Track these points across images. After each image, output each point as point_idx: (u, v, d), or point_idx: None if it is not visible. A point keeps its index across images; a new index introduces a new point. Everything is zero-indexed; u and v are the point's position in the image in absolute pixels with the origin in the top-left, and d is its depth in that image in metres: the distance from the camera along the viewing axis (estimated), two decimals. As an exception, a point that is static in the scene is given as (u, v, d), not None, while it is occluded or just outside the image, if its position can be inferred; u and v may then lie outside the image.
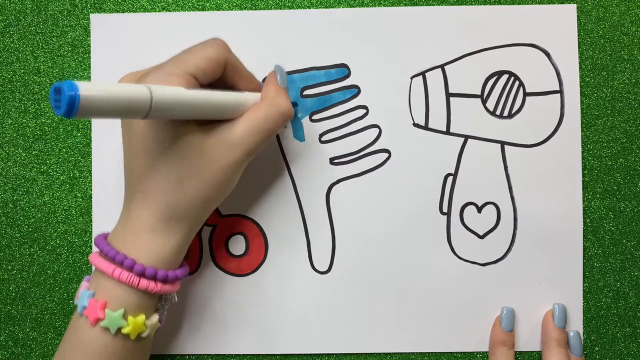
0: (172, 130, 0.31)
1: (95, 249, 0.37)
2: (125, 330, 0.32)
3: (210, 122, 0.33)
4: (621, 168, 0.40)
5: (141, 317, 0.32)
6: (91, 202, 0.40)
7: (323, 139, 0.40)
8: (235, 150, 0.33)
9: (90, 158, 0.40)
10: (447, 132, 0.40)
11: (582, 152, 0.40)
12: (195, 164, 0.32)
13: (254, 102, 0.34)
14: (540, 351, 0.40)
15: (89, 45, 0.40)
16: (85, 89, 0.24)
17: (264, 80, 0.40)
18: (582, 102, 0.40)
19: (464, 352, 0.40)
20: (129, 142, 0.33)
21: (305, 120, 0.40)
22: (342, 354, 0.40)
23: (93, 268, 0.36)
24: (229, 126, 0.33)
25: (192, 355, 0.40)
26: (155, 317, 0.34)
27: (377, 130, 0.40)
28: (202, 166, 0.32)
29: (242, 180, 0.40)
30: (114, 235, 0.34)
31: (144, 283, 0.32)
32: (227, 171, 0.33)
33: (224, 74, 0.34)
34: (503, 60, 0.40)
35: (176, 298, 0.36)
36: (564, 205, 0.40)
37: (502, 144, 0.40)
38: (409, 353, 0.40)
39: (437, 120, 0.40)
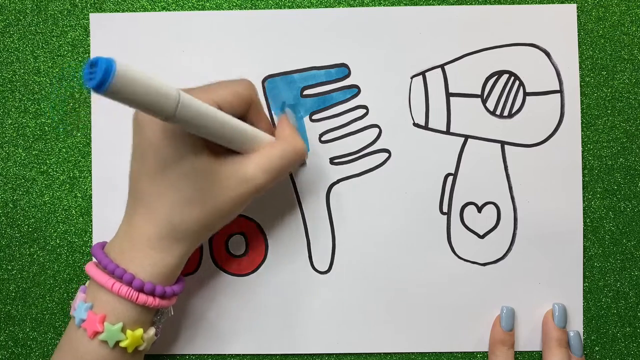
0: (188, 148, 0.31)
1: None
2: (123, 344, 0.32)
3: (223, 152, 0.33)
4: (621, 168, 0.40)
5: (139, 331, 0.33)
6: (91, 202, 0.40)
7: (323, 139, 0.40)
8: (247, 184, 0.33)
9: (90, 158, 0.40)
10: (447, 132, 0.40)
11: (582, 152, 0.40)
12: (206, 190, 0.32)
13: (268, 142, 0.35)
14: (541, 351, 0.40)
15: (89, 45, 0.40)
16: (122, 66, 0.24)
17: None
18: (582, 102, 0.40)
19: (464, 352, 0.40)
20: (140, 149, 0.32)
21: (306, 120, 0.40)
22: (342, 354, 0.40)
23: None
24: (244, 159, 0.33)
25: (192, 355, 0.40)
26: (152, 331, 0.34)
27: (377, 130, 0.40)
28: (212, 194, 0.32)
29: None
30: (112, 245, 0.34)
31: (143, 298, 0.32)
32: (234, 203, 0.33)
33: (247, 113, 0.34)
34: (503, 60, 0.40)
35: (172, 312, 0.37)
36: (564, 205, 0.40)
37: (502, 143, 0.40)
38: (409, 353, 0.40)
39: (437, 120, 0.40)
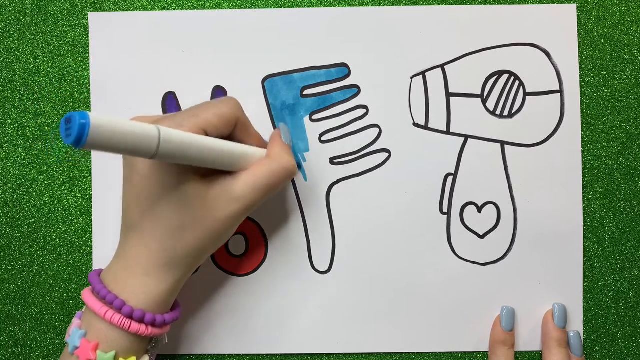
0: (176, 176, 0.31)
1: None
2: None
3: (213, 173, 0.33)
4: (621, 168, 0.40)
5: (132, 359, 0.33)
6: (91, 202, 0.40)
7: (323, 139, 0.40)
8: (236, 203, 0.33)
9: (90, 158, 0.40)
10: (447, 132, 0.40)
11: (582, 152, 0.40)
12: (196, 213, 0.32)
13: (259, 158, 0.34)
14: (541, 351, 0.40)
15: (89, 45, 0.40)
16: (97, 118, 0.24)
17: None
18: (582, 102, 0.40)
19: (464, 352, 0.40)
20: (131, 180, 0.32)
21: (306, 120, 0.40)
22: (342, 354, 0.40)
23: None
24: (232, 179, 0.33)
25: (192, 355, 0.40)
26: (145, 359, 0.34)
27: (377, 130, 0.40)
28: (203, 217, 0.32)
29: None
30: (107, 271, 0.34)
31: (135, 327, 0.32)
32: (226, 224, 0.33)
33: (233, 131, 0.34)
34: (503, 60, 0.40)
35: (166, 339, 0.36)
36: (564, 205, 0.40)
37: (502, 143, 0.40)
38: (409, 353, 0.40)
39: (437, 120, 0.40)
